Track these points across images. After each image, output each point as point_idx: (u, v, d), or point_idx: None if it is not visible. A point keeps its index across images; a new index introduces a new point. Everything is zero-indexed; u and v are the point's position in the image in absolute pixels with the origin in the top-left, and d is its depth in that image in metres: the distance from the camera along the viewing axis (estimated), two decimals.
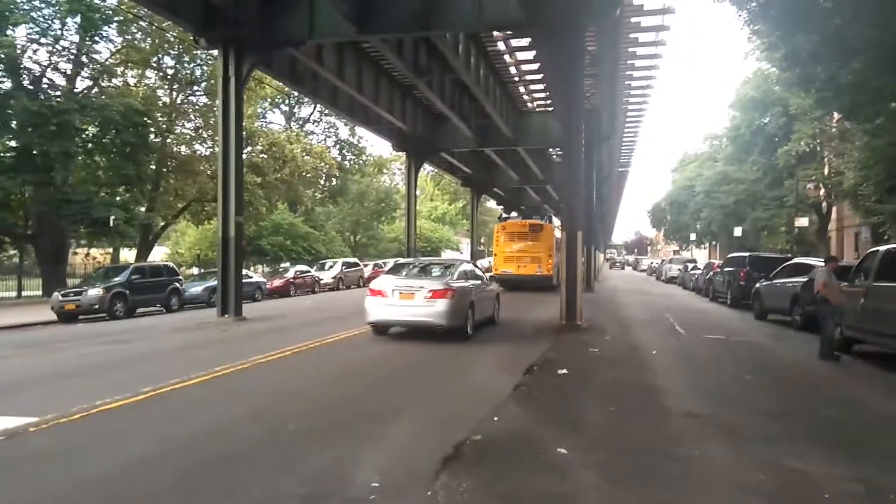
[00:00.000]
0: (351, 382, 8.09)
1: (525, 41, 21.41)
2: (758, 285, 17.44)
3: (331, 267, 34.60)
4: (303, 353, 10.31)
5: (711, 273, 24.89)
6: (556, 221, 33.30)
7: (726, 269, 22.19)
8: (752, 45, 32.65)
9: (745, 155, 37.63)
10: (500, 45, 21.94)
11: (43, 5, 26.02)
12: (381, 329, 12.25)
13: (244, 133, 22.68)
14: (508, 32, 20.43)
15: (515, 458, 5.00)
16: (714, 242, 52.68)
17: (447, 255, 65.57)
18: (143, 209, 31.85)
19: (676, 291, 29.97)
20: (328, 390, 7.61)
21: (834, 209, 35.33)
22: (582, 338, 12.23)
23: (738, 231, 37.40)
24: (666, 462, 4.94)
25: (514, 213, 31.75)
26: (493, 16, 15.04)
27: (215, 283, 22.84)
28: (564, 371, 8.60)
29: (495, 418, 6.13)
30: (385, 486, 4.33)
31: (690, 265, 35.69)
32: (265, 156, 37.70)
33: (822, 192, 27.85)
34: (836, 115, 30.78)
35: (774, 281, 16.37)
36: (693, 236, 50.31)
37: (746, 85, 35.92)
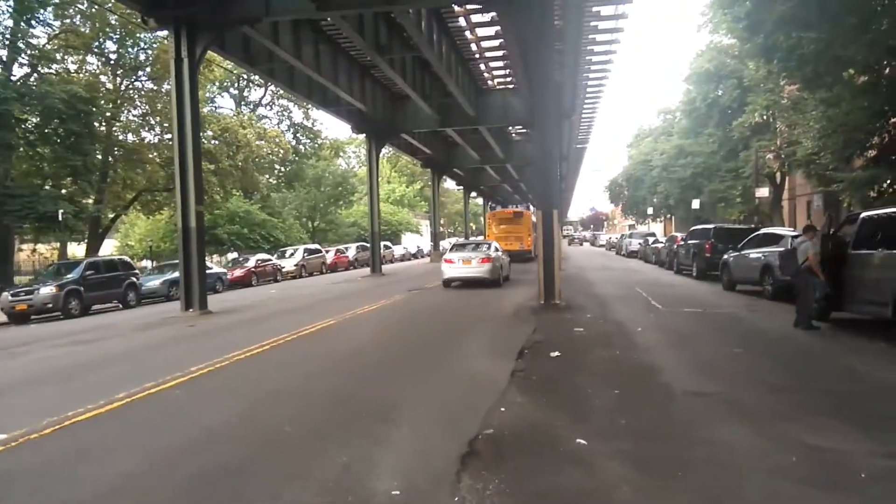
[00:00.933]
0: (339, 376, 7.73)
1: (487, 17, 21.00)
2: (725, 257, 17.63)
3: (292, 254, 33.86)
4: (281, 346, 9.87)
5: (675, 246, 25.15)
6: (532, 209, 39.41)
7: (690, 242, 22.42)
8: (704, 17, 33.24)
9: (700, 128, 38.07)
10: (462, 22, 21.47)
11: None
12: (448, 283, 19.93)
13: None
14: (470, 7, 20.03)
15: (534, 452, 4.76)
16: (669, 216, 53.51)
17: (407, 238, 65.10)
18: (91, 201, 30.43)
19: (640, 266, 30.29)
20: (317, 386, 7.24)
21: (787, 179, 36.18)
22: (564, 317, 12.11)
23: (696, 203, 37.96)
24: (690, 447, 4.78)
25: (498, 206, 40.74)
26: None
27: (174, 275, 22.25)
28: (557, 354, 8.42)
29: (502, 409, 5.88)
30: (407, 492, 4.04)
31: (651, 239, 36.17)
32: (217, 142, 36.48)
33: (778, 162, 28.34)
34: (788, 87, 31.50)
35: (743, 252, 16.55)
36: (650, 210, 50.94)
37: (701, 58, 36.19)
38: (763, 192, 27.94)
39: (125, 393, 6.89)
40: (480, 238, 31.10)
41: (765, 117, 34.00)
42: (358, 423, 5.55)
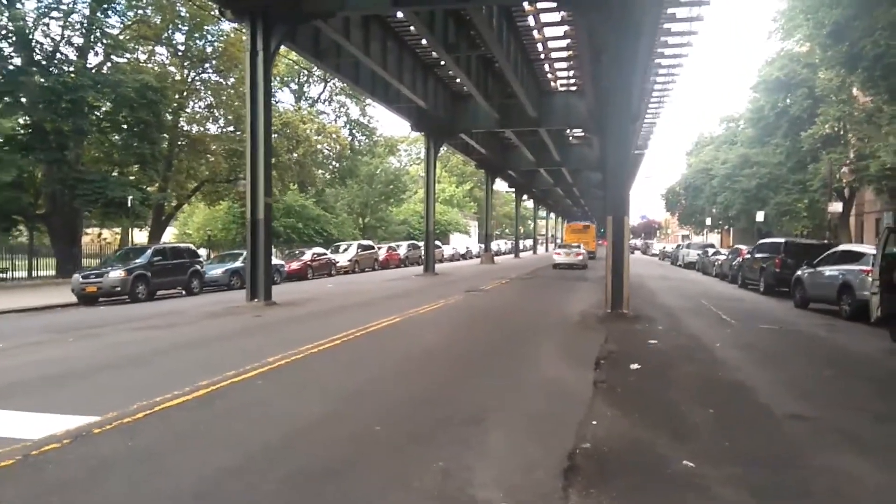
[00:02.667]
0: (417, 376, 7.63)
1: (556, 17, 20.75)
2: (799, 273, 16.91)
3: (346, 249, 34.13)
4: (352, 341, 9.85)
5: (740, 259, 24.34)
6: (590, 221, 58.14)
7: (758, 255, 21.65)
8: (776, 24, 32.14)
9: (767, 137, 36.82)
10: (531, 21, 21.25)
11: None
12: (556, 266, 32.26)
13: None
14: (539, 6, 19.80)
15: (641, 472, 4.53)
16: (728, 227, 52.04)
17: (455, 238, 65.04)
18: (155, 189, 31.30)
19: (698, 277, 29.49)
20: (398, 385, 7.14)
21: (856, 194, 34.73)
22: (634, 328, 11.76)
23: (760, 216, 36.72)
24: (807, 475, 4.48)
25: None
26: None
27: (235, 265, 22.71)
28: (637, 366, 8.13)
29: (594, 422, 5.66)
30: None
31: (710, 250, 35.18)
32: (277, 136, 37.08)
33: (853, 176, 27.16)
34: (862, 98, 30.19)
35: (818, 269, 15.85)
36: (709, 220, 49.58)
37: (771, 66, 34.99)
38: (837, 206, 26.84)
39: (208, 381, 6.92)
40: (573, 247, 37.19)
41: (836, 129, 32.71)
42: (449, 428, 5.42)
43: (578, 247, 35.63)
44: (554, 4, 17.89)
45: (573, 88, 28.70)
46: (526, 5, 19.52)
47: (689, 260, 36.78)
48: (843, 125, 32.30)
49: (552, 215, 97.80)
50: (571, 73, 26.91)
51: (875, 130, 26.98)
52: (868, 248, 14.93)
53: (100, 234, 35.63)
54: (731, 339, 10.62)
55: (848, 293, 14.13)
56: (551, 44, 23.63)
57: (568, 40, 22.64)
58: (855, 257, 14.72)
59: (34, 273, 26.69)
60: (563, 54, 24.58)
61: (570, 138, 41.40)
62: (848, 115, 30.70)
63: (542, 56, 25.04)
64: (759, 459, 4.83)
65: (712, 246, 38.97)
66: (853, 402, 6.72)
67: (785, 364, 8.79)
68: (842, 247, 17.16)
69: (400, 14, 18.36)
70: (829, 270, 15.33)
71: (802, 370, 8.39)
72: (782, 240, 21.37)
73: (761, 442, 5.27)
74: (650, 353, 9.28)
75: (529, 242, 76.51)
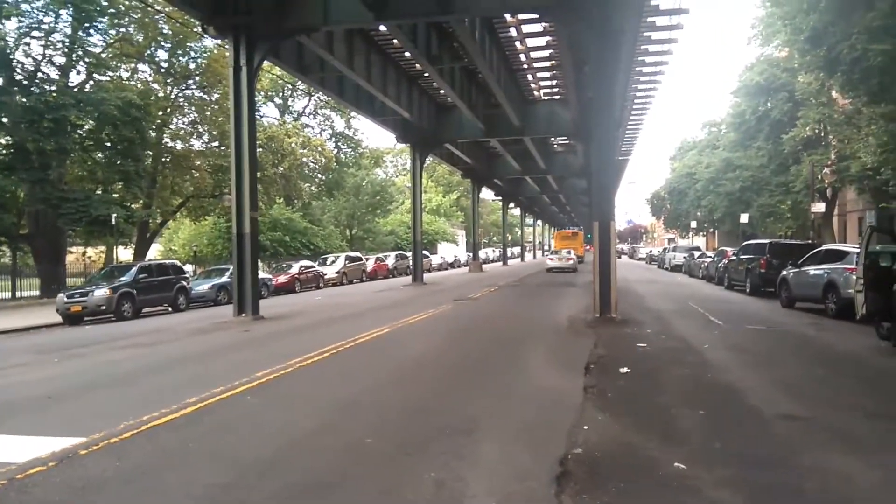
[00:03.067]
0: (407, 387, 7.60)
1: (538, 27, 20.90)
2: (784, 273, 17.07)
3: (333, 262, 34.04)
4: (341, 353, 9.80)
5: (725, 261, 24.53)
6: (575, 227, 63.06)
7: (743, 257, 21.83)
8: (755, 30, 32.57)
9: (749, 141, 37.20)
10: (513, 32, 21.40)
11: None
12: (549, 270, 36.05)
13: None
14: (521, 17, 19.95)
15: (632, 475, 4.52)
16: (713, 230, 52.48)
17: (443, 247, 65.07)
18: (140, 206, 31.09)
19: (685, 280, 29.68)
20: (389, 396, 7.10)
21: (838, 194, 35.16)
22: (623, 332, 11.81)
23: (744, 217, 37.08)
24: (800, 475, 4.49)
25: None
26: None
27: (222, 280, 22.55)
28: (627, 370, 8.15)
29: (585, 427, 5.66)
30: None
31: (696, 253, 35.43)
32: (262, 150, 37.00)
33: (835, 177, 27.50)
34: (841, 100, 30.61)
35: (803, 269, 16.00)
36: (694, 224, 49.98)
37: (751, 71, 35.41)
38: (819, 207, 27.14)
39: (196, 398, 6.85)
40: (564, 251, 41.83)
41: (816, 131, 33.12)
42: (440, 438, 5.39)
43: (569, 252, 39.66)
44: (535, 16, 18.04)
45: (556, 97, 28.90)
46: (508, 17, 19.68)
47: (676, 263, 37.03)
48: (824, 127, 32.72)
49: (539, 223, 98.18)
50: (554, 81, 27.10)
51: (855, 132, 27.36)
52: (851, 247, 15.11)
53: (84, 253, 35.28)
54: (719, 341, 10.68)
55: (833, 292, 14.27)
56: (534, 54, 23.81)
57: (550, 50, 22.82)
58: (839, 256, 14.89)
59: (18, 294, 26.35)
60: (546, 64, 24.77)
61: (555, 146, 41.67)
62: (828, 118, 31.11)
63: (525, 66, 25.22)
64: (752, 460, 4.85)
65: (698, 249, 39.27)
66: (843, 400, 6.77)
67: (774, 364, 8.85)
68: (825, 246, 17.35)
69: (383, 27, 18.48)
70: (813, 270, 15.48)
71: (791, 370, 8.45)
72: (767, 241, 21.57)
73: (753, 442, 5.29)
74: (639, 356, 9.31)
75: (517, 250, 76.67)
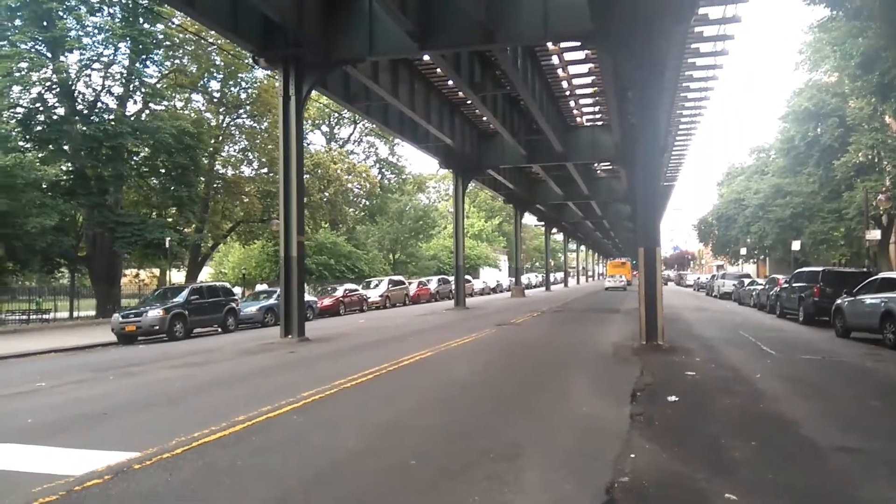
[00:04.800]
0: (450, 411, 7.60)
1: (580, 55, 21.01)
2: (839, 301, 16.49)
3: (377, 285, 34.36)
4: (384, 376, 9.88)
5: (777, 289, 23.84)
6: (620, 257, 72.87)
7: (796, 285, 21.18)
8: (802, 55, 32.02)
9: (799, 167, 36.34)
10: (555, 59, 21.55)
11: (96, 31, 26.48)
12: (608, 289, 49.38)
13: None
14: (563, 45, 20.07)
15: None
16: (763, 257, 51.13)
17: (485, 272, 64.98)
18: (192, 230, 32.10)
19: (735, 308, 28.91)
20: (431, 420, 7.12)
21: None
22: (671, 359, 11.57)
23: (796, 245, 36.02)
24: None
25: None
26: (559, 26, 14.65)
27: (269, 303, 23.02)
28: (675, 399, 7.99)
29: (632, 455, 5.56)
30: None
31: (746, 280, 34.53)
32: (309, 176, 37.90)
33: (890, 203, 26.61)
34: (895, 126, 29.71)
35: (859, 297, 15.45)
36: (743, 250, 48.80)
37: (799, 96, 34.73)
38: (875, 234, 26.22)
39: (244, 416, 7.00)
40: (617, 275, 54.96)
41: (869, 157, 32.15)
42: (483, 463, 5.37)
43: (620, 277, 53.57)
44: (577, 43, 18.14)
45: (599, 123, 28.86)
46: (550, 45, 19.83)
47: (725, 290, 36.11)
48: (877, 153, 31.76)
49: (583, 248, 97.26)
50: (597, 108, 27.11)
51: None
52: None
53: (136, 275, 36.49)
54: (771, 371, 10.36)
55: (890, 321, 13.70)
56: (576, 80, 23.90)
57: (592, 77, 22.87)
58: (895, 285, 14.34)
59: (75, 313, 27.42)
60: (588, 90, 24.82)
61: (598, 171, 41.45)
62: (881, 143, 30.22)
63: (567, 93, 25.31)
64: (805, 492, 4.69)
65: (748, 276, 38.28)
66: None
67: (829, 395, 8.55)
68: (882, 274, 16.70)
69: (426, 57, 18.83)
70: (869, 298, 14.92)
71: (847, 401, 8.15)
72: (820, 268, 20.90)
73: (807, 474, 5.12)
74: (688, 385, 9.10)
75: (560, 275, 75.99)
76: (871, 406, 7.81)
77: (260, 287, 27.10)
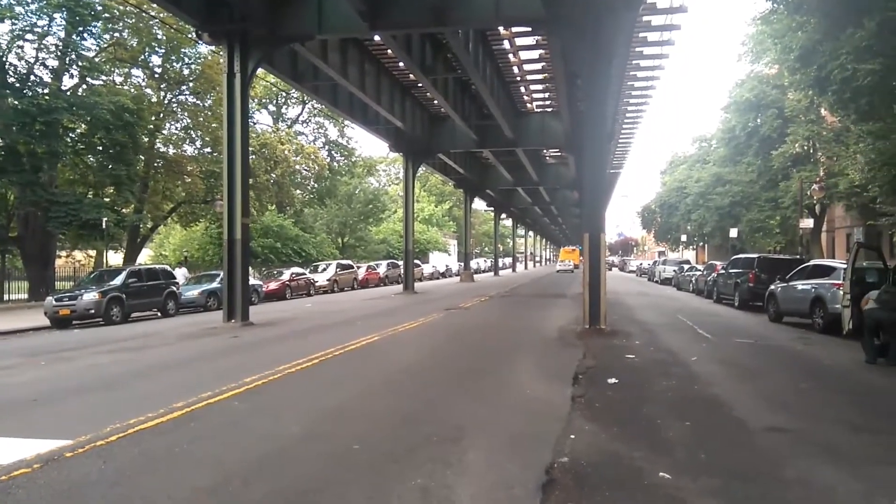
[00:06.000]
0: (396, 395, 7.60)
1: (531, 40, 21.08)
2: (772, 287, 17.20)
3: (325, 269, 33.97)
4: (329, 360, 9.79)
5: (715, 275, 24.69)
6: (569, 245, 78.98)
7: (732, 271, 21.98)
8: (745, 48, 32.95)
9: (739, 157, 37.51)
10: (506, 44, 21.57)
11: (30, 0, 25.07)
12: (558, 271, 58.99)
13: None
14: (514, 30, 20.11)
15: (618, 484, 4.54)
16: (703, 243, 52.81)
17: (435, 256, 65.14)
18: (131, 210, 30.97)
19: (675, 293, 29.82)
20: (376, 404, 7.10)
21: (826, 210, 35.51)
22: (612, 343, 11.86)
23: (734, 232, 37.34)
24: (784, 487, 4.53)
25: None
26: (511, 10, 14.67)
27: (212, 286, 22.46)
28: (615, 381, 8.19)
29: (572, 436, 5.68)
30: None
31: (686, 266, 35.63)
32: (255, 156, 37.00)
33: (823, 193, 27.81)
34: (830, 118, 30.98)
35: (791, 283, 16.13)
36: (684, 237, 50.30)
37: (741, 87, 35.76)
38: (808, 223, 27.40)
39: (183, 402, 6.83)
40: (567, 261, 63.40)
41: (805, 148, 33.48)
42: (428, 446, 5.40)
43: (569, 262, 61.40)
44: (528, 28, 18.19)
45: (549, 109, 29.11)
46: (501, 29, 19.84)
47: (666, 276, 37.21)
48: (813, 144, 33.09)
49: (531, 234, 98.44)
50: (547, 94, 27.30)
51: (843, 149, 27.69)
52: (839, 263, 15.27)
53: (71, 256, 35.04)
54: (707, 354, 10.74)
55: (820, 307, 14.39)
56: (527, 66, 23.98)
57: (543, 63, 23.00)
58: (826, 272, 15.02)
59: (6, 297, 26.14)
60: (539, 76, 24.95)
61: (547, 158, 41.90)
62: (817, 135, 31.48)
63: (518, 78, 25.39)
64: (736, 471, 4.88)
65: (688, 262, 39.49)
66: (828, 413, 6.83)
67: (761, 377, 8.91)
68: (813, 261, 17.50)
69: (377, 37, 18.56)
70: (801, 285, 15.61)
71: (778, 384, 8.51)
72: (756, 255, 21.72)
73: (738, 454, 5.32)
74: (628, 367, 9.35)
75: (509, 260, 76.83)
76: (800, 388, 8.18)
77: (179, 271, 26.27)
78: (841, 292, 11.69)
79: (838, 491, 4.45)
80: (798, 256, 22.14)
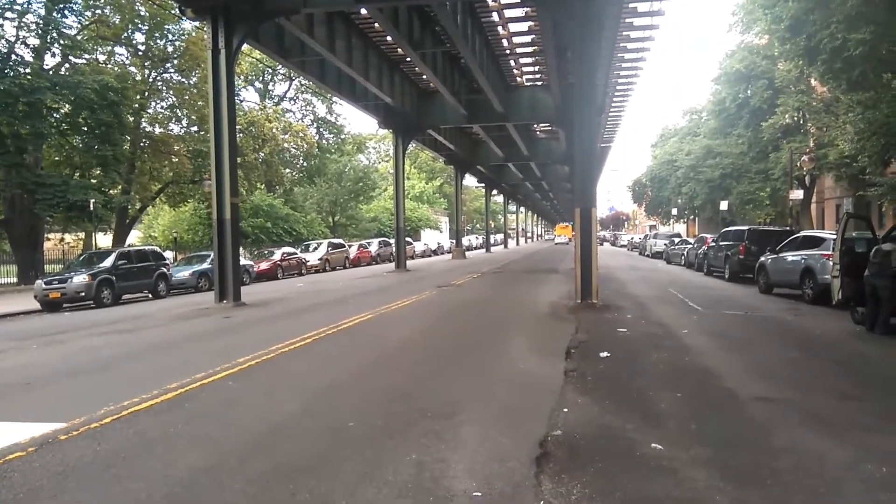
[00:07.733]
0: (390, 372, 7.63)
1: (520, 12, 20.83)
2: (762, 259, 17.32)
3: (316, 248, 33.88)
4: (323, 339, 9.81)
5: (705, 247, 24.80)
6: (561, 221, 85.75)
7: (722, 244, 22.08)
8: (735, 17, 32.70)
9: (729, 128, 37.50)
10: (495, 17, 21.30)
11: None
12: (555, 244, 72.20)
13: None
14: (503, 1, 19.87)
15: (610, 456, 4.60)
16: (693, 216, 52.99)
17: (426, 234, 65.04)
18: (118, 191, 30.66)
19: (666, 267, 29.97)
20: (371, 381, 7.13)
21: (816, 182, 35.65)
22: (604, 317, 11.94)
23: (724, 205, 37.48)
24: (773, 455, 4.60)
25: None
26: None
27: (202, 266, 22.38)
28: (607, 354, 8.26)
29: (565, 409, 5.74)
30: (488, 495, 3.90)
31: (676, 240, 35.78)
32: (242, 135, 36.61)
33: (813, 164, 27.88)
34: (820, 88, 30.94)
35: (781, 255, 16.23)
36: (674, 211, 50.44)
37: (731, 58, 35.58)
38: (798, 194, 27.48)
39: (177, 383, 6.84)
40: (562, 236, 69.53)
41: (795, 119, 33.50)
42: (422, 421, 5.43)
43: (565, 237, 66.83)
44: (517, 0, 17.96)
45: (539, 83, 28.88)
46: (490, 1, 19.59)
47: (657, 250, 37.37)
48: (803, 115, 33.11)
49: (522, 210, 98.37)
50: (537, 67, 27.07)
51: (833, 120, 27.72)
52: (828, 234, 15.37)
53: (62, 239, 34.74)
54: (697, 326, 10.83)
55: (810, 277, 14.52)
56: (516, 39, 23.74)
57: (532, 36, 22.76)
58: (816, 243, 15.14)
59: None
60: (529, 49, 24.71)
61: (538, 132, 41.70)
62: (807, 106, 31.48)
63: (508, 52, 25.14)
64: (726, 441, 4.94)
65: (678, 236, 39.66)
66: (818, 382, 6.93)
67: (750, 349, 9.00)
68: (803, 233, 17.60)
69: (364, 11, 18.28)
70: (791, 256, 15.72)
71: (768, 354, 8.60)
72: (745, 227, 21.81)
73: (728, 424, 5.40)
74: (619, 341, 9.42)
75: (501, 237, 76.91)
76: (789, 358, 8.28)
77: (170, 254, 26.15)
78: (830, 263, 11.78)
79: (827, 458, 4.53)
80: (788, 228, 22.22)
